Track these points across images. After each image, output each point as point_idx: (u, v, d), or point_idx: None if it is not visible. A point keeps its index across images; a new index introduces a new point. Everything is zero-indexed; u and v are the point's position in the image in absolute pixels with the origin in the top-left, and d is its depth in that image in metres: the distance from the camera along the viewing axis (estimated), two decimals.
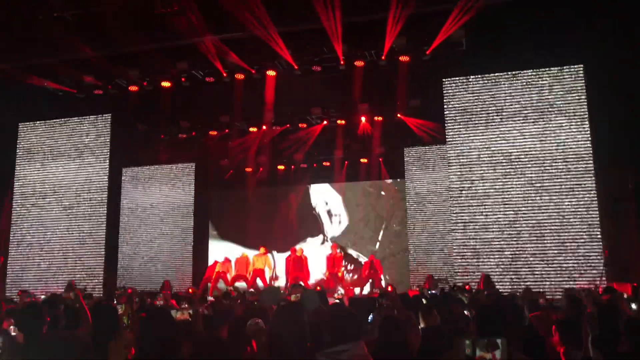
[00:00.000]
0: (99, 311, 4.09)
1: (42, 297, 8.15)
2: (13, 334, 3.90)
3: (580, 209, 10.59)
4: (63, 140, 14.30)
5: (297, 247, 13.88)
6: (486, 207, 11.17)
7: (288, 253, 13.67)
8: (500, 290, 9.52)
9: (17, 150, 14.49)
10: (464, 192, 11.36)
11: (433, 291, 9.49)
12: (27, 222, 14.06)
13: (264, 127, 14.96)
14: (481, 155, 11.36)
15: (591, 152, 10.69)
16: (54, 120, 14.43)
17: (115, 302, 5.68)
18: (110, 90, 13.82)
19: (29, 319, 3.68)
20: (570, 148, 10.86)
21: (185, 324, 4.20)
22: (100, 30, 11.42)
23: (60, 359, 3.25)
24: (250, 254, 14.02)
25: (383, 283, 13.17)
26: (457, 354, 2.23)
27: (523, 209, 10.98)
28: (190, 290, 11.67)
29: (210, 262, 14.93)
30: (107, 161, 13.86)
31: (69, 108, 14.39)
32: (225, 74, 12.84)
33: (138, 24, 11.03)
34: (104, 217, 13.63)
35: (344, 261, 14.32)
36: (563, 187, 10.77)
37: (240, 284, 13.00)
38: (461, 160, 11.44)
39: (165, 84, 13.32)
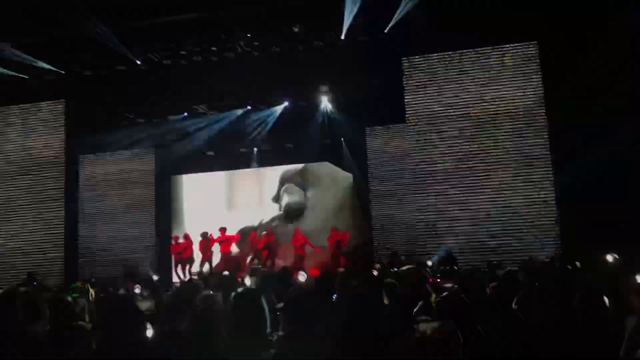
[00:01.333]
0: (56, 305, 4.04)
1: None
2: None
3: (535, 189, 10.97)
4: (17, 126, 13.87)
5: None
6: (447, 183, 11.40)
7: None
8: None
9: None
10: (424, 170, 11.56)
11: (395, 269, 9.64)
12: None
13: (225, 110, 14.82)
14: (441, 132, 11.56)
15: (544, 111, 11.01)
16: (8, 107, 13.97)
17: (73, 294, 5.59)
18: (64, 75, 13.42)
19: None
20: (525, 117, 11.17)
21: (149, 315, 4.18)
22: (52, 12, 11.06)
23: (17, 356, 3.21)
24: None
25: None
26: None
27: (482, 184, 11.26)
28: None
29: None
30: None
31: (22, 93, 13.92)
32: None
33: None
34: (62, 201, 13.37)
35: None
36: (519, 162, 11.10)
37: None
38: (421, 138, 11.62)
39: (121, 67, 13.02)
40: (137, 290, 8.22)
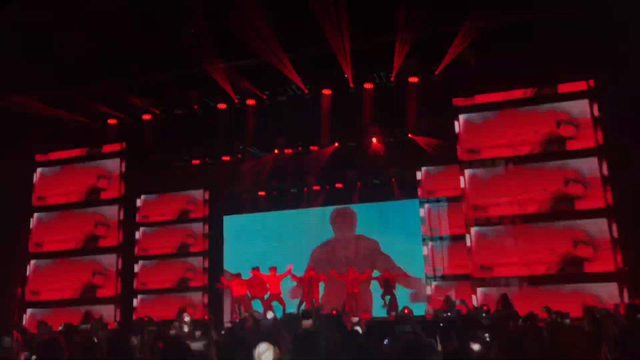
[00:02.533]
0: (114, 343, 4.11)
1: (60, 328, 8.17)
2: None
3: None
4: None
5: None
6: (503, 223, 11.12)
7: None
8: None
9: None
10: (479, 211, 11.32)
11: (449, 313, 9.34)
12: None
13: (276, 151, 15.05)
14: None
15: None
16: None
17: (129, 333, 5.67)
18: (123, 119, 14.09)
19: (47, 352, 3.68)
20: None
21: (199, 354, 4.17)
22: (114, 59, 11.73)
23: None
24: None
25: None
26: None
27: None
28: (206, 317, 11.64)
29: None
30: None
31: (84, 138, 14.69)
32: (236, 100, 13.04)
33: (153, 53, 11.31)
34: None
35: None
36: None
37: None
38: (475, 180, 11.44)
39: (178, 111, 13.57)
40: (186, 329, 8.27)
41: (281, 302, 13.51)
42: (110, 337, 5.06)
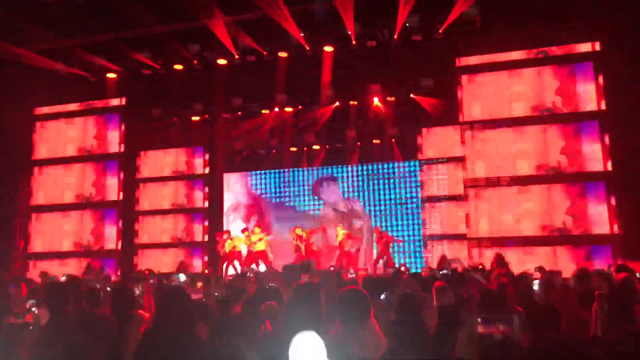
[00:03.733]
0: (117, 293, 4.20)
1: (63, 278, 8.33)
2: (35, 312, 4.02)
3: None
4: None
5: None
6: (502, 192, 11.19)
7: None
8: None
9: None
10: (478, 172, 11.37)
11: (444, 271, 9.49)
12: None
13: (276, 109, 14.97)
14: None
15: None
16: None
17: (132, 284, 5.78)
18: (122, 73, 13.94)
19: (54, 299, 3.77)
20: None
21: (199, 304, 4.28)
22: (112, 12, 11.51)
23: (84, 336, 3.35)
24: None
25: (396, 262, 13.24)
26: (470, 331, 2.27)
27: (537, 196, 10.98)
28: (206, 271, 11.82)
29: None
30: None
31: (83, 92, 14.59)
32: (237, 57, 12.87)
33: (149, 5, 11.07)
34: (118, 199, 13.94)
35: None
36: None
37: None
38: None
39: (178, 66, 13.40)
40: (182, 279, 8.44)
41: (267, 261, 13.54)
42: (113, 288, 5.18)
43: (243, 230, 14.32)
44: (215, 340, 3.02)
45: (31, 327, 3.66)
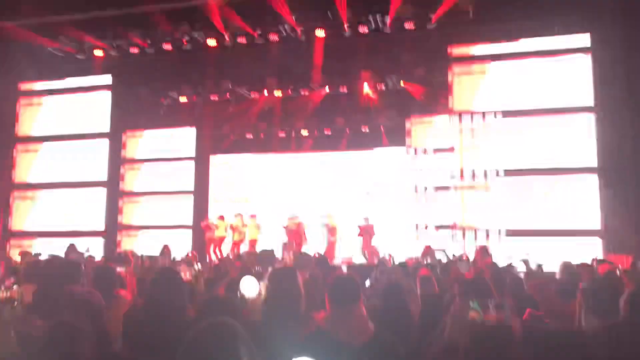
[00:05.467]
0: (100, 273, 4.16)
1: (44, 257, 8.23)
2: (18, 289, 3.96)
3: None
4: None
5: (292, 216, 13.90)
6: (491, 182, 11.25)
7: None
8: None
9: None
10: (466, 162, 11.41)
11: (429, 261, 9.55)
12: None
13: (265, 93, 14.85)
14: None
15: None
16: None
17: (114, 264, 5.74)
18: (110, 51, 13.72)
19: (38, 277, 3.72)
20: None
21: (189, 285, 4.27)
22: None
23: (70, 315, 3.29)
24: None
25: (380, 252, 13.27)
26: (460, 316, 2.27)
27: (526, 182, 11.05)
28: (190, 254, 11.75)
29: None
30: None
31: (69, 69, 14.33)
32: (227, 38, 12.71)
33: None
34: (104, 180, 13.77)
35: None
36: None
37: None
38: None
39: (167, 46, 13.20)
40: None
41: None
42: (96, 267, 5.11)
43: (236, 216, 14.27)
44: (202, 319, 2.99)
45: (15, 303, 3.61)
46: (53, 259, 5.04)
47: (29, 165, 14.72)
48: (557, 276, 5.92)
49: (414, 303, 4.51)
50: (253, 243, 13.54)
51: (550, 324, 3.49)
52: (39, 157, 14.69)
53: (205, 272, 5.90)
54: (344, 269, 7.17)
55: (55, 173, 14.53)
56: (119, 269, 5.61)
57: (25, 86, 14.88)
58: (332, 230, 13.73)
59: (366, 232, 13.67)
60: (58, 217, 14.34)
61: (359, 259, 13.23)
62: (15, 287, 4.11)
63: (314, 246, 14.00)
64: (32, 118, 14.85)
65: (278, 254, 9.30)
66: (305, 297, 3.22)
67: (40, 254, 9.40)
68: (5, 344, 2.77)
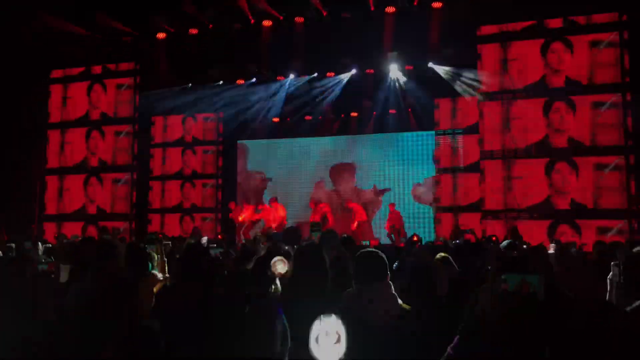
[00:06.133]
0: (132, 253, 4.24)
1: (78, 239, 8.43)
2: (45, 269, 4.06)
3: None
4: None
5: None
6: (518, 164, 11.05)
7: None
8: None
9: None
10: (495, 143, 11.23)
11: (457, 241, 9.47)
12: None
13: (291, 76, 14.80)
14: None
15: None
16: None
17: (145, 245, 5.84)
18: (138, 37, 13.85)
19: (74, 257, 3.81)
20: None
21: (217, 260, 4.35)
22: None
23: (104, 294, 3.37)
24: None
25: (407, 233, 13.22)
26: (492, 290, 2.24)
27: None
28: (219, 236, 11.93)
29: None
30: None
31: (96, 54, 14.54)
32: (252, 21, 12.69)
33: None
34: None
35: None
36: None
37: None
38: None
39: (193, 30, 13.26)
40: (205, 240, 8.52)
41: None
42: (128, 247, 5.21)
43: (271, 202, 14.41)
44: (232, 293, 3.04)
45: (52, 276, 3.72)
46: (88, 240, 5.15)
47: (59, 151, 15.06)
48: (591, 255, 5.83)
49: (441, 284, 4.48)
50: (280, 225, 13.66)
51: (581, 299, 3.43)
52: (68, 142, 15.01)
53: (234, 253, 5.97)
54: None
55: (85, 158, 14.85)
56: (149, 249, 5.72)
57: (56, 73, 15.16)
58: (358, 212, 13.74)
59: (393, 213, 13.64)
60: (89, 201, 14.67)
61: (386, 241, 13.20)
62: (52, 259, 4.23)
63: (339, 227, 14.06)
64: (62, 105, 15.14)
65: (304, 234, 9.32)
66: (330, 275, 3.23)
67: (77, 237, 9.65)
68: (44, 313, 2.86)
